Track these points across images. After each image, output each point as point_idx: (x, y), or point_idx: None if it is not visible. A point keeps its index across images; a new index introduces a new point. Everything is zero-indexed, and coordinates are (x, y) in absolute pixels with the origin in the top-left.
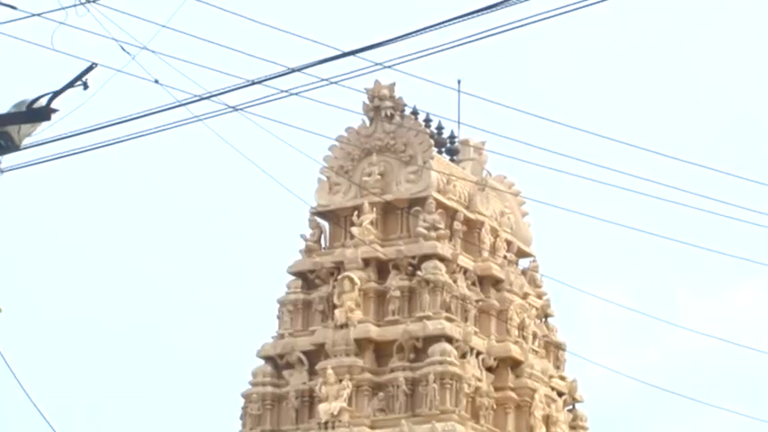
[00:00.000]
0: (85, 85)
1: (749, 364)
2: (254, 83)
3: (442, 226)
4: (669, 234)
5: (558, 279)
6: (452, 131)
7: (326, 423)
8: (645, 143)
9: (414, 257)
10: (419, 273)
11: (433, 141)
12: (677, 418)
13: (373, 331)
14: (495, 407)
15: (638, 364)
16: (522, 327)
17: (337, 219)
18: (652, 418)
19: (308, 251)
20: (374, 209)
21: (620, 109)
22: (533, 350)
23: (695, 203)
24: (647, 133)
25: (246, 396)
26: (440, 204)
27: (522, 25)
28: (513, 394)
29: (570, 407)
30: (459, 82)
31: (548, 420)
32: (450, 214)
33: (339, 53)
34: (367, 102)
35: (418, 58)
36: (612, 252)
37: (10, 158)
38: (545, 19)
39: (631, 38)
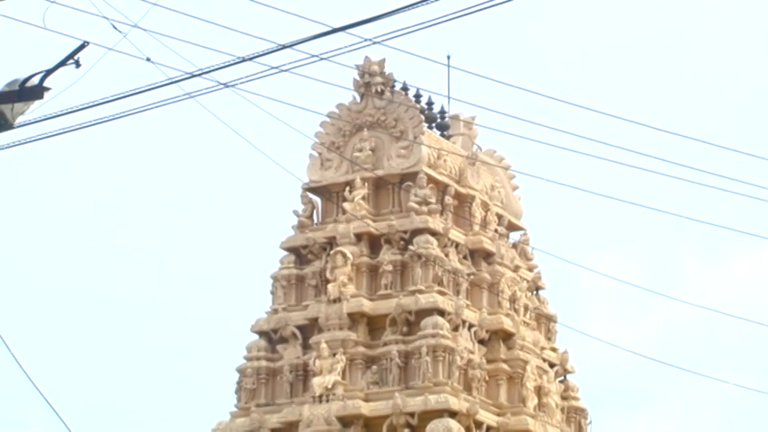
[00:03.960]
0: (78, 64)
1: (750, 335)
2: (244, 60)
3: (433, 200)
4: (665, 206)
5: (548, 252)
6: (442, 106)
7: (321, 396)
8: (634, 116)
9: (405, 232)
10: (411, 247)
11: (423, 116)
12: (674, 389)
13: (366, 305)
14: (487, 378)
15: (636, 335)
16: (513, 299)
17: (329, 194)
18: (649, 390)
19: (300, 227)
20: (366, 184)
21: (610, 82)
22: (525, 322)
23: (685, 176)
24: (638, 106)
25: (241, 370)
26: (431, 179)
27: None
28: (505, 366)
29: (562, 378)
30: (448, 57)
31: (539, 391)
32: (442, 189)
33: (329, 29)
34: (357, 78)
35: (408, 33)
36: (609, 224)
37: (3, 137)
38: None
39: (620, 10)
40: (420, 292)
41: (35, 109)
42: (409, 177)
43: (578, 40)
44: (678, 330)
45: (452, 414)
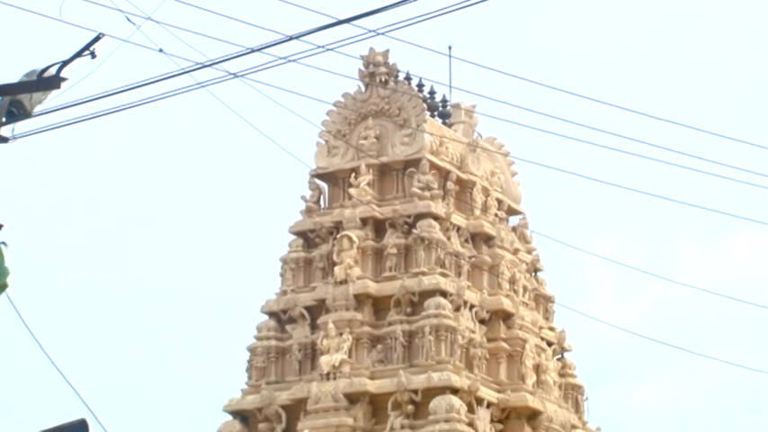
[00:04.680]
0: (93, 55)
1: (744, 316)
2: (253, 50)
3: (435, 186)
4: (663, 191)
5: (546, 235)
6: (444, 95)
7: (328, 374)
8: (631, 103)
9: (409, 216)
10: (414, 231)
11: (425, 105)
12: (670, 368)
13: (371, 287)
14: (488, 357)
15: (633, 315)
16: (512, 281)
17: (336, 180)
18: (645, 368)
19: (308, 211)
20: (371, 170)
21: (607, 70)
22: (524, 303)
23: (682, 162)
24: (635, 93)
25: (252, 349)
26: (433, 165)
27: None
28: (504, 345)
29: (559, 356)
30: (449, 48)
31: (538, 369)
32: (444, 175)
33: (335, 21)
34: (362, 68)
35: (410, 25)
36: (607, 209)
37: (22, 125)
38: None
39: (616, 3)
40: (423, 273)
41: (52, 98)
42: (412, 164)
43: (575, 29)
44: (674, 310)
45: (454, 391)
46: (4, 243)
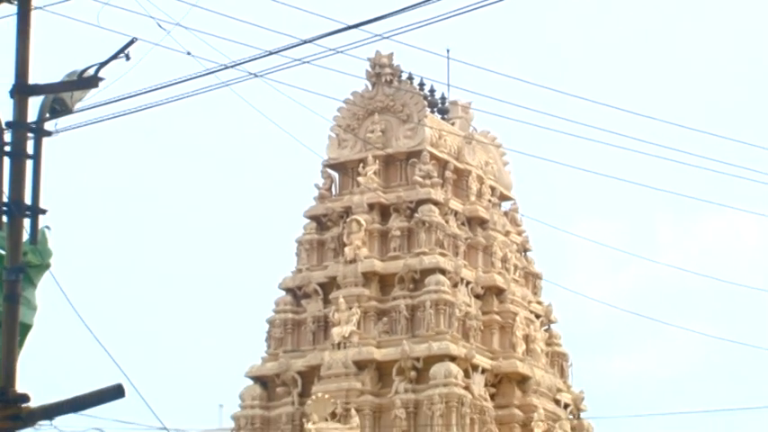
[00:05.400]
0: (128, 57)
1: (713, 291)
2: (272, 53)
3: (435, 175)
4: (642, 179)
5: (535, 218)
6: (443, 93)
7: (339, 344)
8: (615, 100)
9: (411, 202)
10: (416, 215)
11: (426, 102)
12: (647, 338)
13: (378, 265)
14: (482, 328)
15: (614, 291)
16: (504, 260)
17: (345, 170)
18: (624, 338)
19: (320, 198)
20: (377, 161)
21: (592, 71)
22: (514, 279)
23: (659, 153)
24: (619, 90)
25: (271, 322)
26: (433, 156)
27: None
28: (497, 317)
29: (546, 327)
30: (448, 51)
31: (527, 338)
32: (442, 164)
33: (344, 26)
34: (369, 69)
35: (413, 30)
36: (591, 195)
37: (64, 121)
38: None
39: (602, 5)
40: (424, 253)
41: (91, 96)
42: (414, 155)
43: (563, 31)
44: (652, 287)
45: (452, 358)
46: (47, 227)
